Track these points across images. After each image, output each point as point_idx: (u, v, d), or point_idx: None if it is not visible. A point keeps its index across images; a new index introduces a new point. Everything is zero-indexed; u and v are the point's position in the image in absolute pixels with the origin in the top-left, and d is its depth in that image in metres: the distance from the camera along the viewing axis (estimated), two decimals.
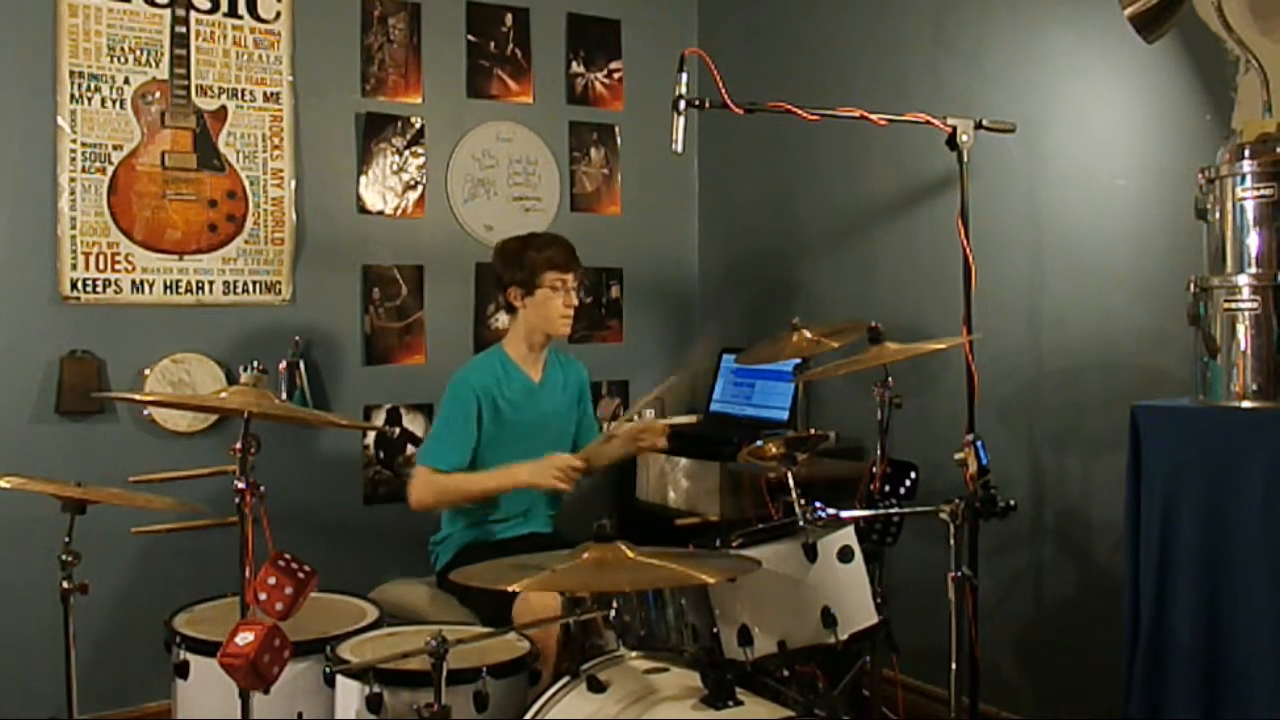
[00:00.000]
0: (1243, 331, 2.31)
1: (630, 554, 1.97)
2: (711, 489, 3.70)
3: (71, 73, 3.43)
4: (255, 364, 3.51)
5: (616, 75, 4.39)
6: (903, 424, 3.08)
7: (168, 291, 3.58)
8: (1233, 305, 2.33)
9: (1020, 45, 3.28)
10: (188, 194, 3.60)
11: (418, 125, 3.99)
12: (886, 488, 2.85)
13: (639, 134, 4.39)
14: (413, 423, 3.98)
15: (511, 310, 3.25)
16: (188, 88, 3.59)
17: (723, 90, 2.72)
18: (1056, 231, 3.19)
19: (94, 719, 3.35)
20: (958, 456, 2.41)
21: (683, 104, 2.70)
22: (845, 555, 2.36)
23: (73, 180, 3.44)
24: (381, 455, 3.94)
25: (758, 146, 4.24)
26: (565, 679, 2.17)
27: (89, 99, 3.45)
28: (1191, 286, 2.40)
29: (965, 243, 2.91)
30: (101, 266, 3.48)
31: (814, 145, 3.96)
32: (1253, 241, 2.32)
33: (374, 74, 3.92)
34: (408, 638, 2.48)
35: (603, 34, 4.37)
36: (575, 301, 3.22)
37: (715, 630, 2.25)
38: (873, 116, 2.90)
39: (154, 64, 3.54)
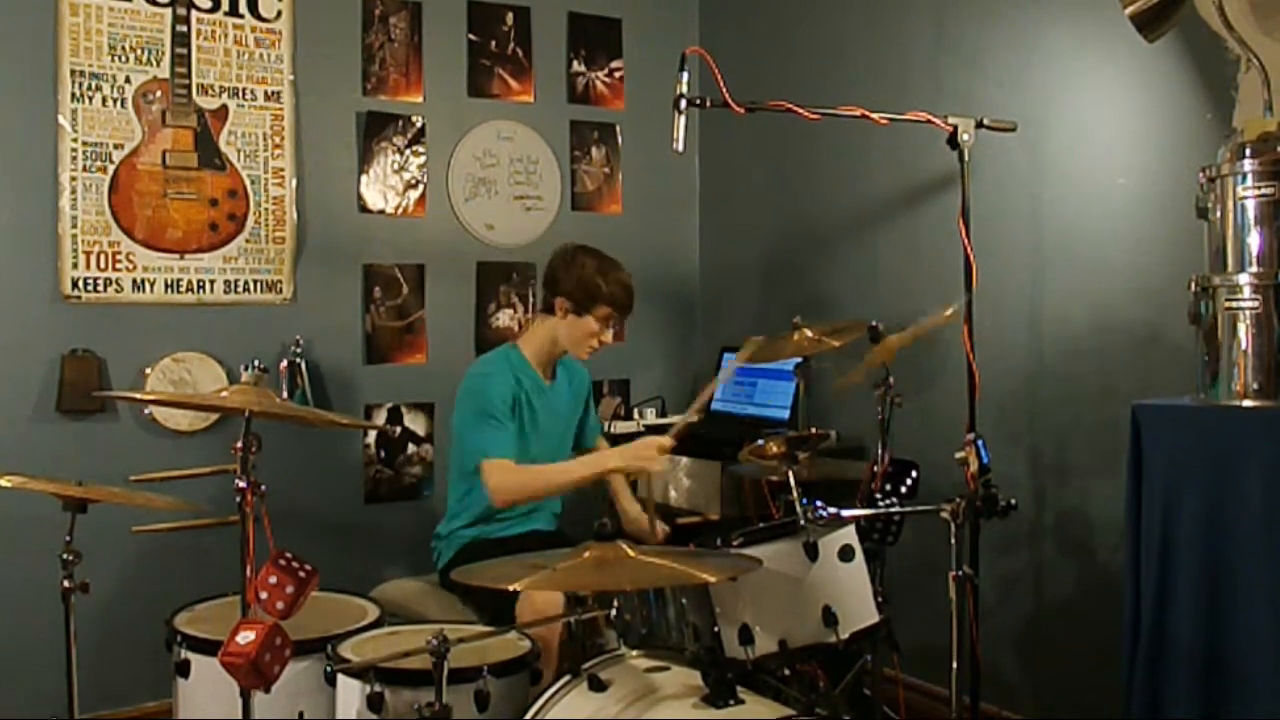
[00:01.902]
0: (1244, 330, 2.31)
1: (631, 553, 1.98)
2: (712, 488, 3.70)
3: (72, 71, 3.43)
4: (256, 363, 3.57)
5: (617, 74, 4.39)
6: (903, 423, 3.08)
7: (169, 290, 3.58)
8: (1234, 304, 2.33)
9: (1021, 45, 3.28)
10: (189, 193, 3.60)
11: (419, 124, 3.99)
12: (887, 487, 2.85)
13: (640, 133, 4.39)
14: (414, 422, 3.98)
15: (547, 312, 3.20)
16: (189, 87, 3.59)
17: (724, 89, 2.72)
18: (1057, 230, 3.19)
19: (94, 718, 3.36)
20: (958, 455, 2.40)
21: (684, 103, 2.70)
22: (846, 554, 2.36)
23: (74, 179, 3.44)
24: (383, 454, 3.94)
25: (759, 146, 4.24)
26: (566, 678, 2.17)
27: (90, 98, 3.46)
28: (1192, 285, 2.40)
29: (966, 242, 2.91)
30: (102, 265, 3.48)
31: (815, 144, 3.96)
32: (1254, 240, 2.32)
33: (375, 73, 3.92)
34: (408, 637, 2.48)
35: (604, 33, 4.37)
36: (609, 339, 3.21)
37: (716, 629, 2.25)
38: (874, 115, 2.90)
39: (155, 63, 3.55)
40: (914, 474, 2.88)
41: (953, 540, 2.28)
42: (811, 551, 2.29)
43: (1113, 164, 3.05)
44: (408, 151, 3.97)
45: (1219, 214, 2.39)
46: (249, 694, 2.09)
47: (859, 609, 2.37)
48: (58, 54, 3.41)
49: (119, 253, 3.50)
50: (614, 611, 2.33)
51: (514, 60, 4.18)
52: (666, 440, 2.92)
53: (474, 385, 3.12)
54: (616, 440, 3.82)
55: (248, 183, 3.69)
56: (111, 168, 3.49)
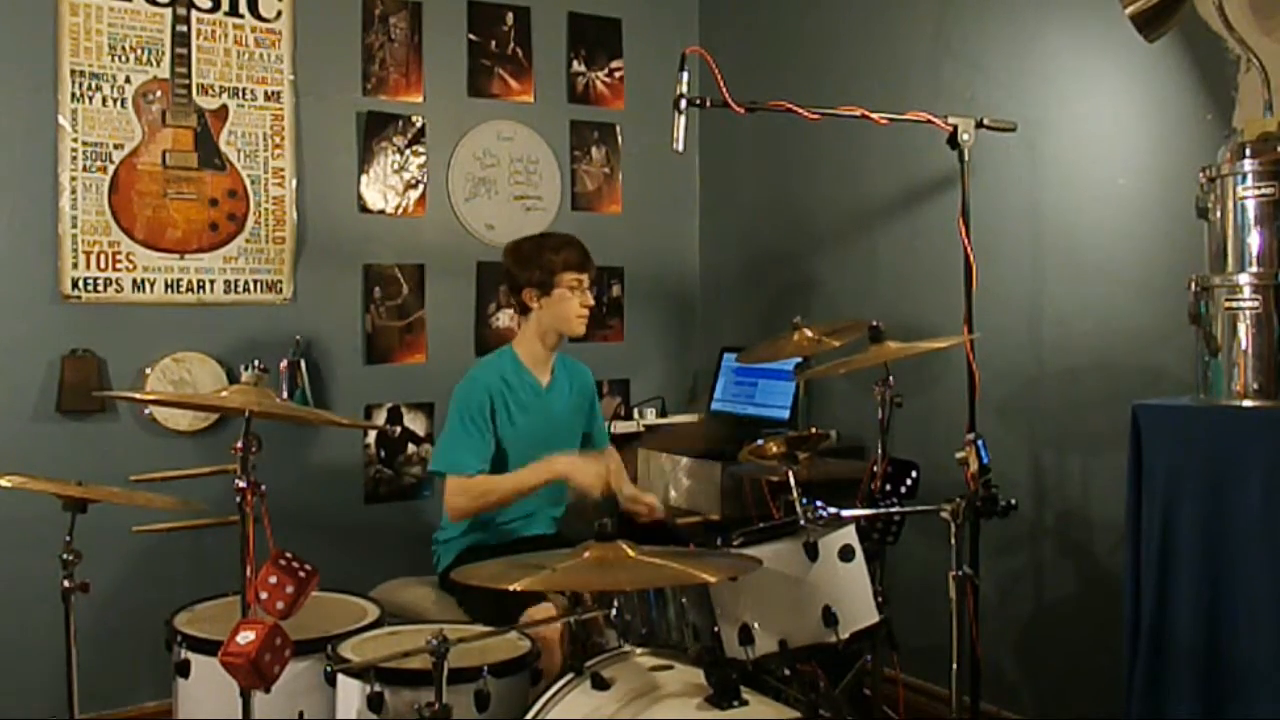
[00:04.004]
0: (1244, 330, 2.31)
1: (631, 553, 1.98)
2: (712, 488, 3.70)
3: (73, 71, 3.43)
4: (256, 363, 3.57)
5: (617, 74, 4.39)
6: (904, 423, 3.09)
7: (169, 290, 3.58)
8: (1234, 304, 2.33)
9: (1020, 45, 3.28)
10: (189, 193, 3.60)
11: (419, 124, 3.99)
12: (887, 487, 2.85)
13: (640, 133, 4.39)
14: (414, 422, 3.98)
15: (524, 311, 3.20)
16: (189, 86, 3.59)
17: (724, 89, 2.72)
18: (1057, 230, 3.19)
19: (94, 718, 3.36)
20: (959, 455, 2.41)
21: (684, 103, 2.70)
22: (846, 554, 2.36)
23: (74, 179, 3.44)
24: (382, 454, 3.94)
25: (759, 145, 4.24)
26: (569, 675, 2.17)
27: (90, 98, 3.45)
28: (1192, 285, 2.40)
29: (966, 242, 2.91)
30: (102, 265, 3.48)
31: (815, 144, 3.96)
32: (1254, 240, 2.32)
33: (375, 73, 3.92)
34: (409, 637, 2.48)
35: (604, 33, 4.37)
36: (591, 301, 3.19)
37: (716, 629, 2.24)
38: (874, 115, 2.90)
39: (155, 63, 3.55)
40: (914, 474, 2.88)
41: (953, 540, 2.28)
42: (812, 551, 2.29)
43: (1113, 164, 3.05)
44: (408, 151, 3.97)
45: (1219, 214, 2.39)
46: (249, 694, 2.09)
47: (859, 609, 2.37)
48: (58, 54, 3.41)
49: (119, 253, 3.50)
50: (614, 611, 2.33)
51: (514, 60, 4.18)
52: (613, 476, 3.05)
53: (459, 390, 3.13)
54: (616, 442, 3.83)
55: (248, 183, 3.69)
56: (111, 168, 3.48)
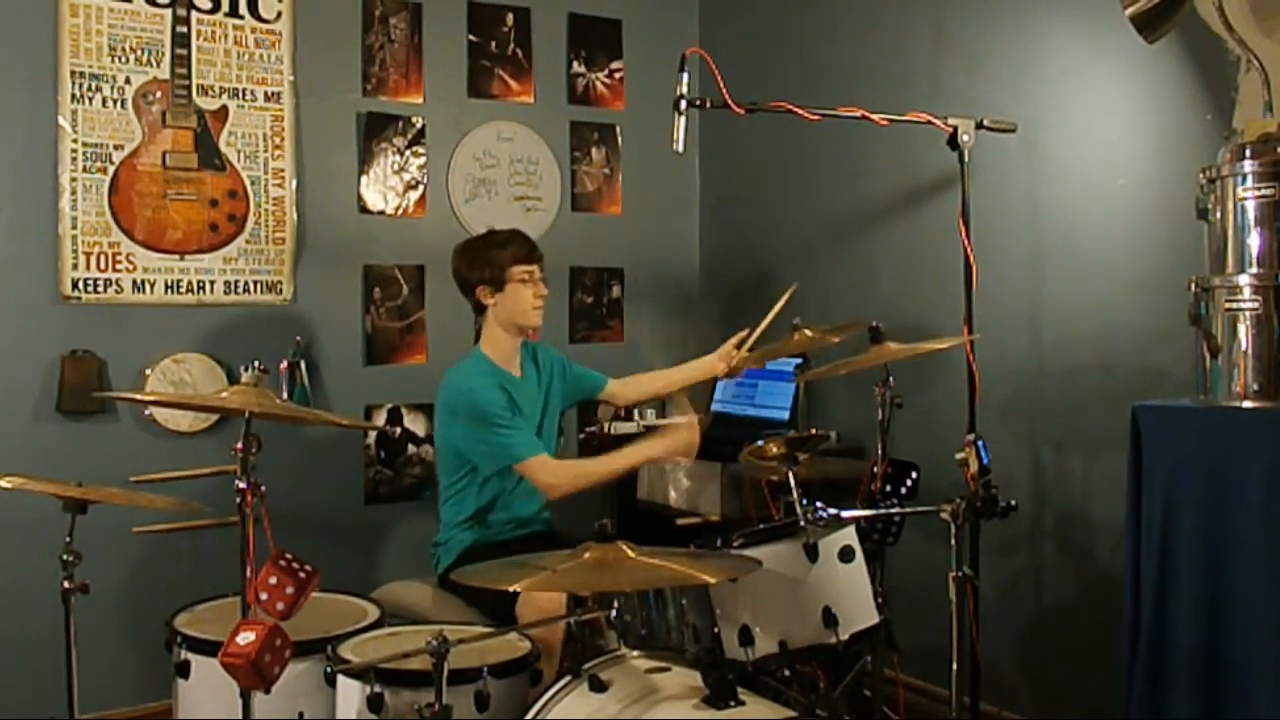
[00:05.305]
0: (1244, 331, 2.31)
1: (631, 554, 1.98)
2: (713, 489, 3.70)
3: (73, 72, 3.43)
4: (256, 363, 3.57)
5: (617, 75, 4.39)
6: (904, 423, 3.08)
7: (169, 291, 3.58)
8: (1234, 305, 2.33)
9: (1020, 45, 3.28)
10: (189, 194, 3.60)
11: (419, 125, 3.99)
12: (887, 487, 2.85)
13: (640, 134, 4.39)
14: (414, 422, 3.98)
15: (480, 311, 3.23)
16: (189, 87, 3.59)
17: (724, 90, 2.72)
18: (1057, 231, 3.19)
19: (94, 718, 3.35)
20: (959, 456, 2.40)
21: (684, 104, 2.70)
22: (846, 555, 2.37)
23: (74, 180, 3.44)
24: (383, 455, 3.94)
25: (759, 146, 4.24)
26: (567, 678, 2.17)
27: (90, 99, 3.46)
28: (1192, 286, 2.40)
29: (966, 242, 2.91)
30: (102, 266, 3.48)
31: (815, 145, 3.96)
32: (1254, 241, 2.32)
33: (375, 74, 3.92)
34: (409, 637, 2.48)
35: (604, 34, 4.37)
36: (544, 291, 3.24)
37: (716, 630, 2.25)
38: (874, 116, 2.90)
39: (155, 64, 3.55)
40: (914, 475, 2.88)
41: (953, 541, 2.28)
42: (812, 552, 2.30)
43: (1113, 164, 3.05)
44: (408, 152, 3.98)
45: (1219, 215, 2.39)
46: (249, 694, 2.09)
47: (859, 610, 2.37)
48: (58, 54, 3.41)
49: (119, 253, 3.50)
50: (614, 612, 2.33)
51: (514, 61, 4.18)
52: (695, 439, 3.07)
53: (463, 400, 3.09)
54: (619, 439, 3.83)
55: (248, 183, 3.69)
56: (111, 168, 3.49)
